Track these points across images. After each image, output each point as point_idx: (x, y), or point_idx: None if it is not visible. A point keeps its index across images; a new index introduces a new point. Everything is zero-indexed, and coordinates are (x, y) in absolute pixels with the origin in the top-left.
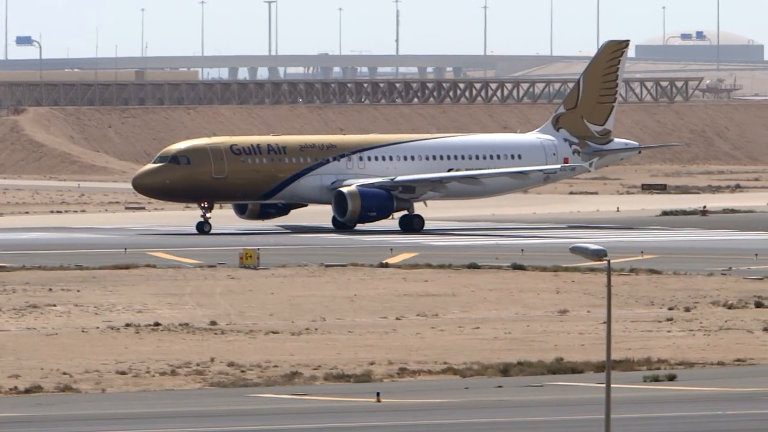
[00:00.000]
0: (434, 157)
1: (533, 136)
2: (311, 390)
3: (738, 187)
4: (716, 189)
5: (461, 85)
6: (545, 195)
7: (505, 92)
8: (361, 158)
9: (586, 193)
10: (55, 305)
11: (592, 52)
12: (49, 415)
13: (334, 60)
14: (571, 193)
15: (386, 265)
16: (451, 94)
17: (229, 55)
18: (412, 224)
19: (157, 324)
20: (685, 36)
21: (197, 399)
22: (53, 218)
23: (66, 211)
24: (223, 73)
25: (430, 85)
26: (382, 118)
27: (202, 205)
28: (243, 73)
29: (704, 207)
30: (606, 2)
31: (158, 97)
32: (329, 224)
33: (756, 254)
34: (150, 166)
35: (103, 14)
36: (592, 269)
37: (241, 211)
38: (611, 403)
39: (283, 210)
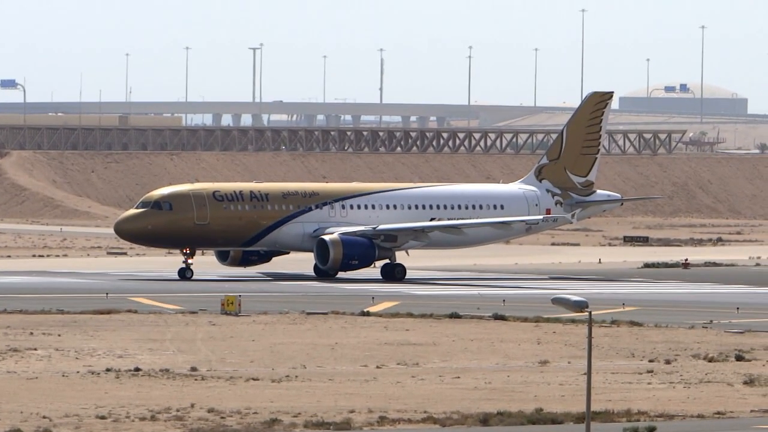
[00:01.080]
0: (417, 206)
1: (516, 187)
2: None
3: (720, 240)
4: (698, 242)
5: (444, 135)
6: (527, 246)
7: (489, 142)
8: (343, 206)
9: (568, 244)
10: (35, 349)
11: (576, 103)
12: None
13: (317, 108)
14: (553, 244)
15: (368, 314)
16: (434, 143)
17: (213, 102)
18: (394, 273)
19: (137, 369)
20: (669, 88)
21: None
22: (35, 262)
23: (48, 256)
24: (207, 120)
25: (413, 134)
26: (365, 166)
27: (184, 251)
28: (227, 120)
29: (686, 260)
30: (590, 54)
31: (142, 142)
32: (311, 272)
33: (737, 308)
34: (132, 211)
35: (87, 58)
36: (573, 320)
37: (223, 257)
38: None
39: (265, 257)
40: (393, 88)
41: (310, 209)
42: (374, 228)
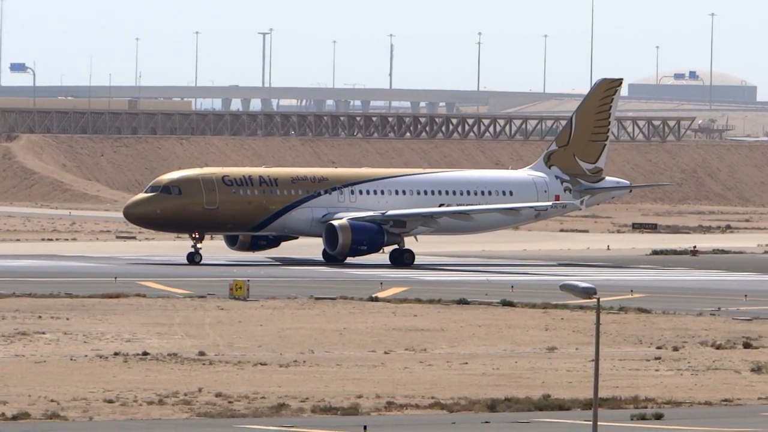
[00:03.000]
0: (426, 192)
1: (525, 173)
2: (298, 422)
3: (728, 227)
4: (707, 229)
5: (454, 121)
6: (536, 232)
7: (498, 128)
8: (352, 192)
9: (577, 230)
10: (44, 333)
11: (585, 89)
12: None
13: (327, 93)
14: (562, 230)
15: (376, 299)
16: (443, 129)
17: (222, 86)
18: (403, 259)
19: (145, 353)
20: (678, 75)
21: (184, 429)
22: (44, 246)
23: (57, 239)
24: (216, 104)
25: (422, 120)
26: (374, 151)
27: (193, 235)
28: (236, 105)
29: (694, 247)
30: (600, 40)
31: (151, 126)
32: (320, 257)
33: (745, 295)
34: (141, 195)
35: (97, 43)
36: (581, 307)
37: (232, 242)
38: None
39: (274, 242)
40: (402, 74)
41: (319, 194)
42: (383, 213)
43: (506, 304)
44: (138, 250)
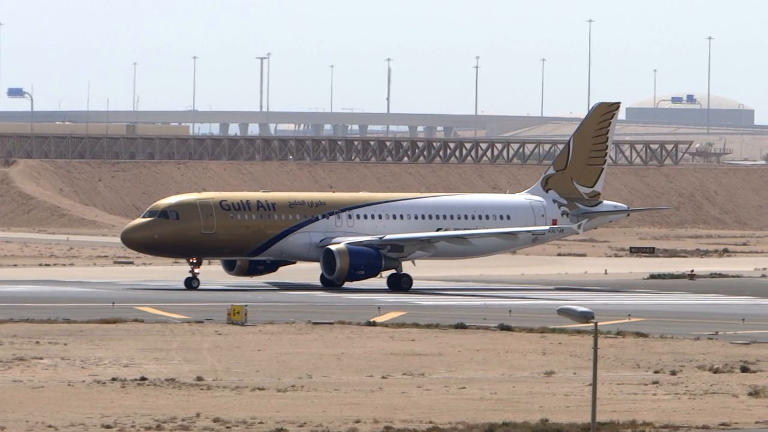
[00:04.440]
0: (423, 217)
1: (522, 197)
2: None
3: (726, 251)
4: (704, 253)
5: (451, 145)
6: (533, 256)
7: (495, 152)
8: (350, 216)
9: (574, 254)
10: (41, 358)
11: (583, 113)
12: None
13: (324, 117)
14: (559, 254)
15: (374, 324)
16: (441, 153)
17: (220, 111)
18: (401, 283)
19: (143, 378)
20: (676, 99)
21: None
22: (42, 271)
23: (54, 265)
24: (214, 129)
25: (420, 144)
26: (372, 176)
27: (191, 260)
28: (234, 129)
29: (692, 271)
30: (597, 64)
31: (149, 151)
32: (317, 282)
33: (743, 319)
34: (139, 220)
35: (95, 67)
36: (579, 331)
37: (230, 267)
38: None
39: (272, 267)
40: (400, 98)
41: (317, 219)
42: (381, 238)
43: (504, 328)
44: (135, 275)
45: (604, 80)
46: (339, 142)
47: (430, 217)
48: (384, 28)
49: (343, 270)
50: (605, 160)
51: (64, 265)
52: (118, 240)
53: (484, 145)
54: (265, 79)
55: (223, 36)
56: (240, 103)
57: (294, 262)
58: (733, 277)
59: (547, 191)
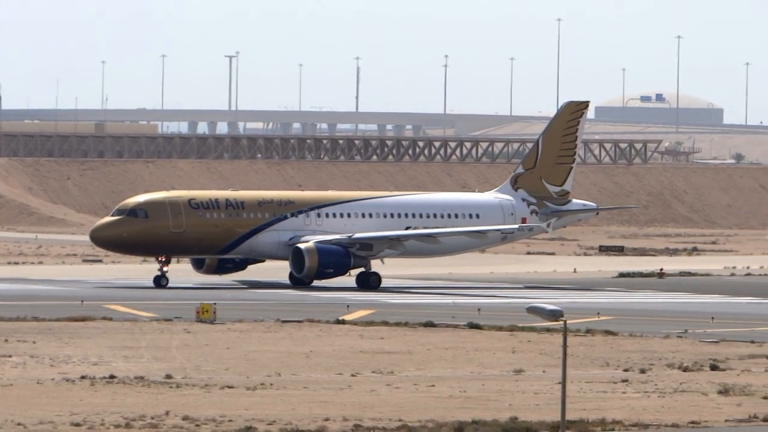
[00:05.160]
0: (392, 215)
1: (491, 196)
2: None
3: (695, 250)
4: (673, 252)
5: (420, 143)
6: (502, 255)
7: (464, 151)
8: (319, 215)
9: (544, 253)
10: (10, 356)
11: (552, 112)
12: None
13: (293, 116)
14: (529, 253)
15: (343, 322)
16: (410, 152)
17: (189, 109)
18: (369, 281)
19: (112, 376)
20: (645, 98)
21: None
22: (10, 269)
23: (23, 263)
24: (182, 127)
25: (389, 143)
26: (341, 174)
27: (160, 258)
28: (203, 128)
29: (661, 269)
30: (566, 63)
31: (117, 149)
32: (286, 280)
33: (712, 317)
34: (108, 219)
35: (63, 65)
36: (548, 329)
37: (199, 265)
38: None
39: (241, 265)
40: (369, 97)
41: (286, 217)
42: (349, 236)
43: (473, 326)
44: (104, 273)
45: (573, 79)
46: (308, 141)
47: (399, 215)
48: (353, 26)
49: (311, 268)
50: (574, 159)
51: (32, 263)
52: (87, 238)
53: (453, 144)
54: (234, 77)
55: (192, 34)
56: (209, 101)
57: (263, 261)
58: (702, 275)
59: (516, 190)
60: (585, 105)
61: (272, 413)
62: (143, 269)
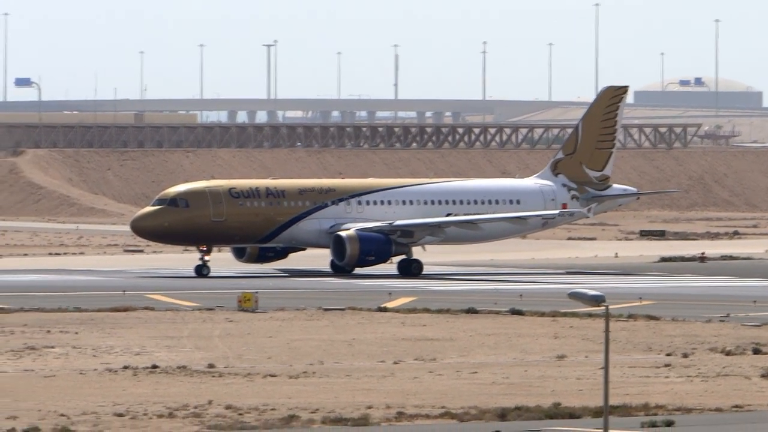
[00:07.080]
0: (433, 202)
1: (532, 182)
2: None
3: (736, 233)
4: (714, 236)
5: (460, 130)
6: (543, 240)
7: (504, 137)
8: (359, 202)
9: (585, 238)
10: (53, 347)
11: (591, 97)
12: None
13: (332, 104)
14: (569, 238)
15: (384, 309)
16: (449, 138)
17: (228, 99)
18: (411, 268)
19: (154, 366)
20: (684, 82)
21: None
22: (52, 260)
23: (64, 254)
24: (222, 117)
25: (428, 130)
26: (381, 162)
27: (201, 248)
28: (242, 117)
29: (702, 253)
30: (605, 48)
31: (157, 139)
32: (327, 268)
33: (754, 301)
34: (148, 208)
35: (102, 57)
36: (590, 315)
37: (240, 254)
38: None
39: (282, 253)
40: (408, 84)
41: (326, 205)
42: (390, 224)
43: (515, 312)
44: (146, 263)
45: (612, 64)
46: (347, 129)
47: (440, 202)
48: (391, 13)
49: (353, 256)
50: (614, 144)
51: (74, 253)
52: (127, 228)
53: (492, 130)
54: (273, 66)
55: (230, 24)
56: (248, 90)
57: (304, 249)
58: (743, 259)
59: (556, 175)
60: (624, 90)
61: (315, 401)
62: (184, 259)
